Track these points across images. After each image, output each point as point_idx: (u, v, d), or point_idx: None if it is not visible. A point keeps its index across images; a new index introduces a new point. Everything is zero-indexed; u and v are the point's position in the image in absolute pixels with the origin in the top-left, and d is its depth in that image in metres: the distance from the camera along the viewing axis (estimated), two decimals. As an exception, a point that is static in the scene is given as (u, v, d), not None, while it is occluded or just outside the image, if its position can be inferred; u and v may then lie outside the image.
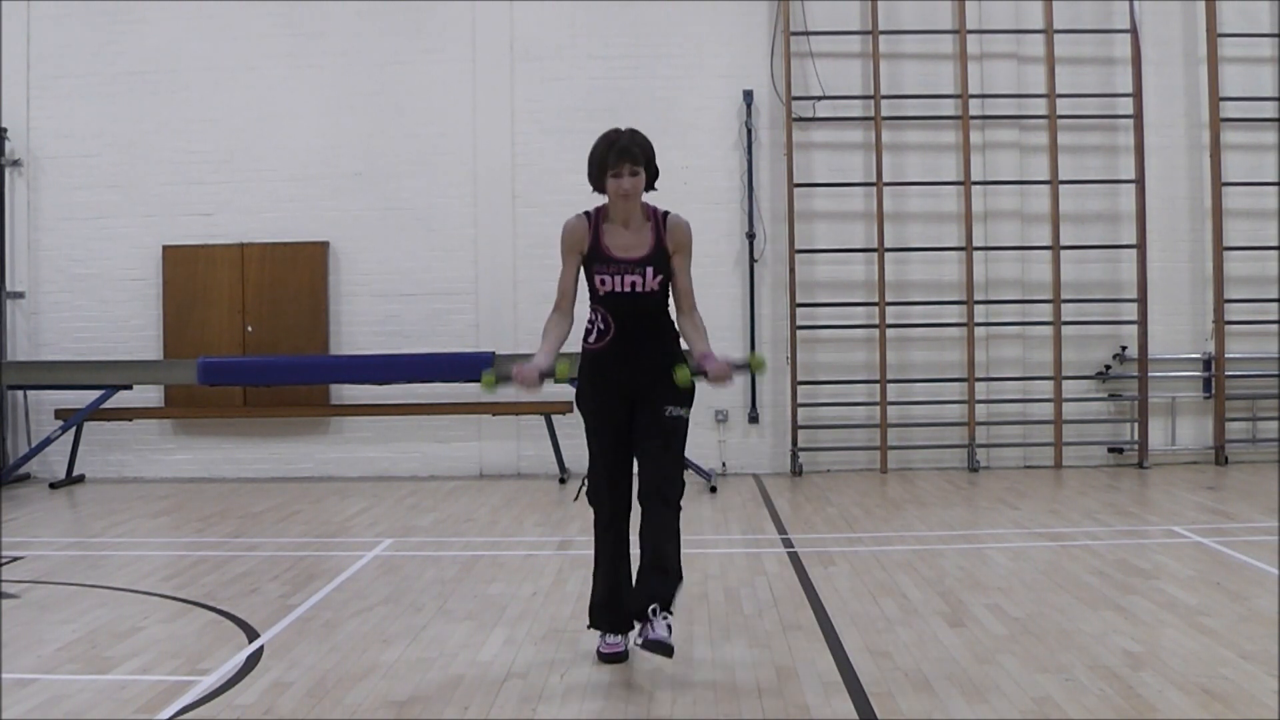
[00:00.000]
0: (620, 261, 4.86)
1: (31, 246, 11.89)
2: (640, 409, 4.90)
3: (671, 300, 4.99)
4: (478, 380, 10.71)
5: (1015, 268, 11.59)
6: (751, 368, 5.04)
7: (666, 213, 4.97)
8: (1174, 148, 11.67)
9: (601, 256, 4.87)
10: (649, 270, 4.86)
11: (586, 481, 5.09)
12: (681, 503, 4.87)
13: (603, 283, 4.86)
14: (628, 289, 4.86)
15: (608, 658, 5.01)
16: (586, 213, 4.96)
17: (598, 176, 4.86)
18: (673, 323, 5.00)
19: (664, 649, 4.55)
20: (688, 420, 4.94)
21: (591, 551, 5.14)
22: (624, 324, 4.89)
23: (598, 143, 4.85)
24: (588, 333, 4.96)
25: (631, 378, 4.89)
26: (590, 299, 4.95)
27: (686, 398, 4.92)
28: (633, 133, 4.86)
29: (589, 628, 5.15)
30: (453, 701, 4.54)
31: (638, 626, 4.69)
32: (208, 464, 11.78)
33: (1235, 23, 11.57)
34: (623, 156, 4.78)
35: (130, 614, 5.99)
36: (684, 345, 5.01)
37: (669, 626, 4.62)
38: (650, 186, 4.94)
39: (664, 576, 4.70)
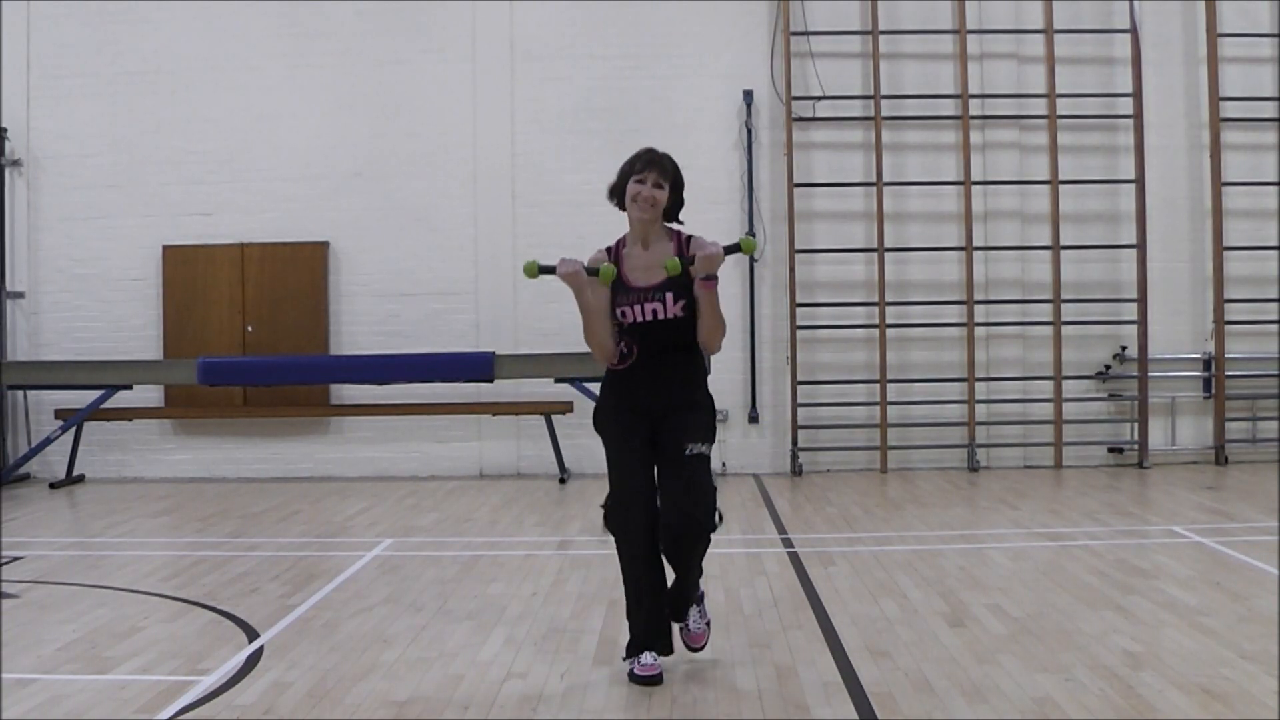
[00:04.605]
0: (638, 289, 4.68)
1: (31, 246, 11.89)
2: (662, 443, 4.74)
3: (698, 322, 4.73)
4: (477, 380, 10.87)
5: (1015, 268, 11.59)
6: (743, 249, 4.64)
7: (690, 236, 4.78)
8: (1174, 148, 11.66)
9: (621, 287, 4.69)
10: (668, 296, 4.65)
11: (607, 505, 4.88)
12: (716, 522, 4.77)
13: (624, 314, 4.70)
14: (648, 317, 4.67)
15: (641, 680, 4.71)
16: (608, 248, 4.80)
17: (620, 187, 4.73)
18: (702, 356, 4.82)
19: (694, 648, 5.03)
20: (709, 456, 4.78)
21: (605, 550, 5.06)
22: (648, 350, 4.72)
23: (627, 160, 4.76)
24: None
25: (652, 406, 4.74)
26: (617, 327, 4.79)
27: (708, 433, 4.78)
28: (666, 154, 4.76)
29: (626, 659, 4.85)
30: (453, 701, 4.54)
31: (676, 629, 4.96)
32: (208, 464, 11.78)
33: (1235, 23, 11.57)
34: (650, 165, 4.68)
35: (130, 614, 5.99)
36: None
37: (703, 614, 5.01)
38: (672, 217, 4.79)
39: (687, 599, 4.91)
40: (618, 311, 4.72)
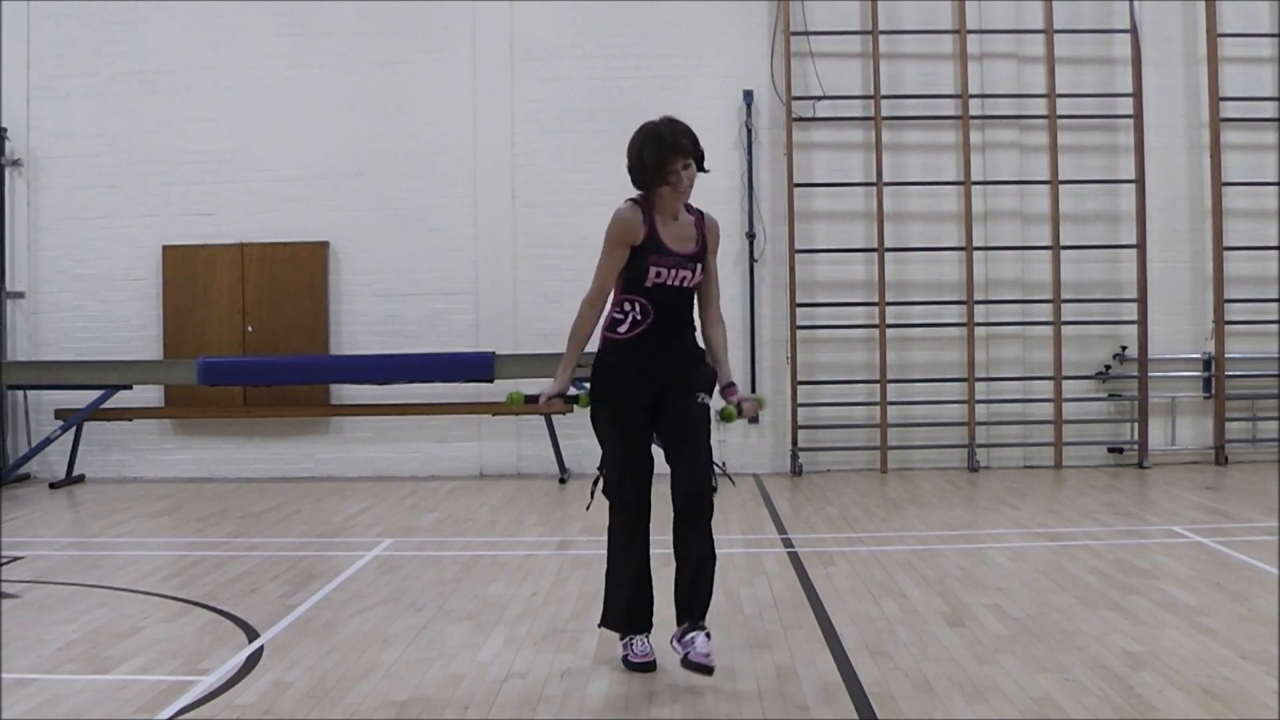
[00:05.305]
0: (676, 255, 4.81)
1: (31, 246, 11.89)
2: (670, 396, 4.83)
3: (698, 301, 4.95)
4: (477, 380, 10.88)
5: (1015, 268, 11.59)
6: (760, 406, 5.13)
7: (702, 211, 4.95)
8: (1174, 148, 11.67)
9: (659, 248, 4.78)
10: (698, 267, 4.87)
11: (601, 476, 4.92)
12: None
13: (657, 274, 4.78)
14: (678, 283, 4.82)
15: (638, 666, 4.83)
16: (635, 201, 4.83)
17: (650, 177, 4.75)
18: (694, 317, 4.98)
19: (706, 670, 4.56)
20: (709, 407, 4.92)
21: (604, 550, 4.95)
22: (663, 315, 4.82)
23: (641, 143, 4.74)
24: (616, 322, 4.83)
25: (662, 367, 4.83)
26: (626, 289, 4.82)
27: (709, 385, 4.92)
28: (672, 123, 4.76)
29: (601, 625, 5.00)
30: (453, 701, 4.54)
31: (678, 631, 4.69)
32: (208, 464, 11.78)
33: (1235, 23, 11.58)
34: (676, 153, 4.71)
35: (130, 614, 5.99)
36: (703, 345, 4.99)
37: (708, 637, 4.62)
38: (700, 168, 4.86)
39: (706, 592, 4.71)
40: (651, 270, 4.78)
